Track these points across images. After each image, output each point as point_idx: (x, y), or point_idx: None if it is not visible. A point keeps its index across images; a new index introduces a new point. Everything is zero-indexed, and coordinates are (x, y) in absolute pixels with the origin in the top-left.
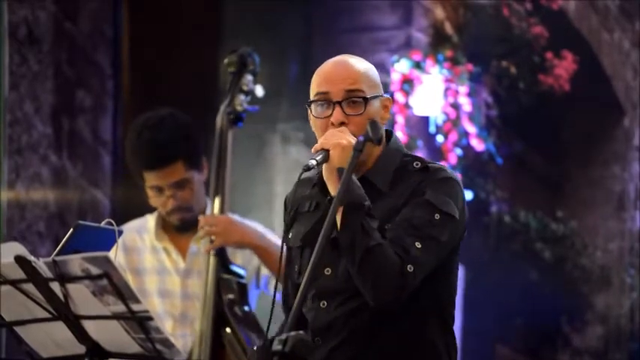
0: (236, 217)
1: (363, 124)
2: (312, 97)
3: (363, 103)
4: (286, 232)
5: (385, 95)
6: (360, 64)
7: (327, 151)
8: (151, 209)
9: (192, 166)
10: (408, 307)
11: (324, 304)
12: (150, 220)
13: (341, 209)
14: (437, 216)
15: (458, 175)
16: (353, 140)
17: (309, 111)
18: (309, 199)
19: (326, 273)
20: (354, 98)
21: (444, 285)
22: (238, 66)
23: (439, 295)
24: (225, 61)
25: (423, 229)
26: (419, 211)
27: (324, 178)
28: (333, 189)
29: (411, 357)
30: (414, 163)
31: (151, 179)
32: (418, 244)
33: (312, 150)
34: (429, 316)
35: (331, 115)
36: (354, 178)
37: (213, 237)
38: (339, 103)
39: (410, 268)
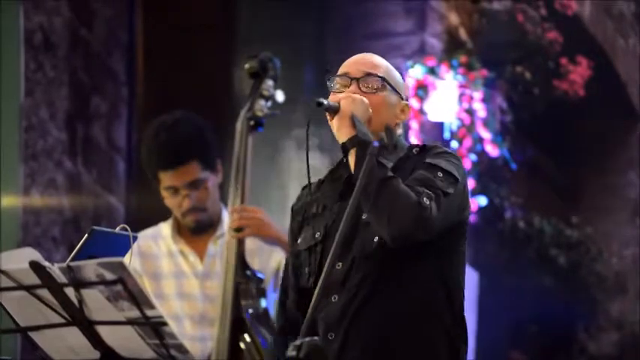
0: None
1: (375, 104)
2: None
3: (379, 85)
4: (294, 239)
5: (405, 101)
6: (384, 61)
7: (338, 104)
8: (165, 216)
9: (206, 166)
10: (416, 290)
11: (335, 298)
12: (164, 228)
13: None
14: (440, 174)
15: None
16: (365, 100)
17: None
18: (316, 202)
19: (337, 267)
20: (371, 78)
21: (450, 267)
22: (259, 71)
23: (444, 279)
24: (246, 66)
25: (429, 183)
26: (422, 171)
27: (335, 129)
28: (344, 135)
29: (423, 344)
30: (414, 150)
31: (166, 179)
32: (428, 191)
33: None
34: (437, 303)
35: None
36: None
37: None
38: (357, 80)
39: (426, 200)
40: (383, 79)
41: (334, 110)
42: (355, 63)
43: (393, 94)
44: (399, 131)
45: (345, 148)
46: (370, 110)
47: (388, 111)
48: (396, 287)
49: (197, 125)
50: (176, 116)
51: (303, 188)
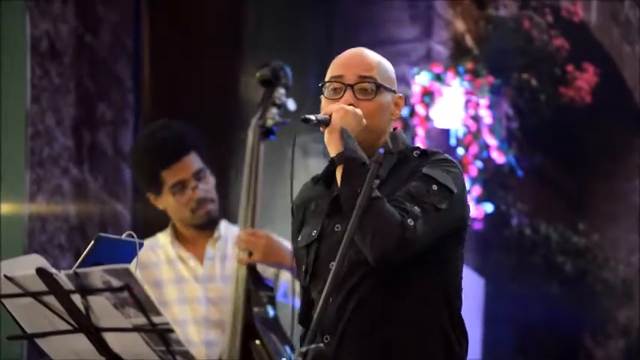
0: (274, 236)
1: (372, 110)
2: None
3: (375, 89)
4: (294, 239)
5: (398, 93)
6: (376, 56)
7: (330, 116)
8: (168, 223)
9: (203, 158)
10: (412, 295)
11: (330, 300)
12: (161, 238)
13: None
14: (434, 187)
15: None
16: (359, 111)
17: (322, 98)
18: (315, 199)
19: (330, 267)
20: (366, 83)
21: (448, 275)
22: (271, 79)
23: (444, 287)
24: (258, 74)
25: (421, 197)
26: (417, 182)
27: (326, 142)
28: (333, 150)
29: (420, 344)
30: (414, 152)
31: (170, 177)
32: (417, 208)
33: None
34: (434, 304)
35: (341, 97)
36: (356, 141)
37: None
38: (352, 86)
39: (410, 221)
40: (378, 84)
41: (325, 124)
42: (349, 65)
43: (388, 92)
44: (395, 125)
45: (333, 163)
46: (364, 121)
47: (385, 113)
48: (392, 291)
49: (183, 125)
50: (161, 121)
51: (305, 185)
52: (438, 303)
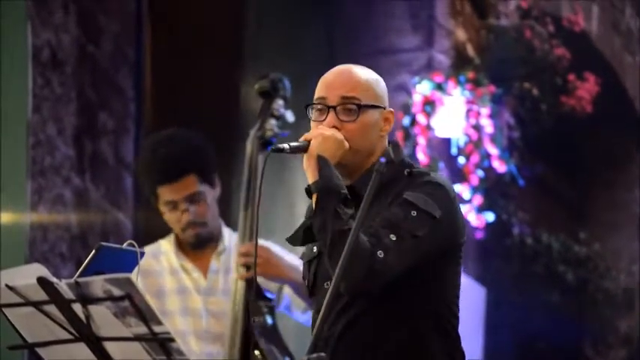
0: (276, 248)
1: (355, 132)
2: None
3: (357, 111)
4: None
5: (388, 109)
6: (361, 72)
7: (309, 142)
8: (170, 232)
9: (204, 180)
10: (402, 316)
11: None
12: (163, 244)
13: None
14: (414, 213)
15: (446, 180)
16: (339, 135)
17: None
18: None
19: (325, 287)
20: (348, 105)
21: (440, 294)
22: (269, 91)
23: (433, 304)
24: (256, 86)
25: (398, 224)
26: (396, 209)
27: (304, 168)
28: (310, 178)
29: None
30: (405, 171)
31: (164, 194)
32: (392, 237)
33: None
34: (425, 324)
35: (325, 119)
36: (333, 168)
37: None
38: (334, 108)
39: (380, 254)
40: (360, 105)
41: (302, 150)
42: (332, 85)
43: (375, 110)
44: (385, 142)
45: (308, 191)
46: (347, 144)
47: (371, 131)
48: (381, 313)
49: (193, 140)
50: (172, 132)
51: None
52: (428, 324)
